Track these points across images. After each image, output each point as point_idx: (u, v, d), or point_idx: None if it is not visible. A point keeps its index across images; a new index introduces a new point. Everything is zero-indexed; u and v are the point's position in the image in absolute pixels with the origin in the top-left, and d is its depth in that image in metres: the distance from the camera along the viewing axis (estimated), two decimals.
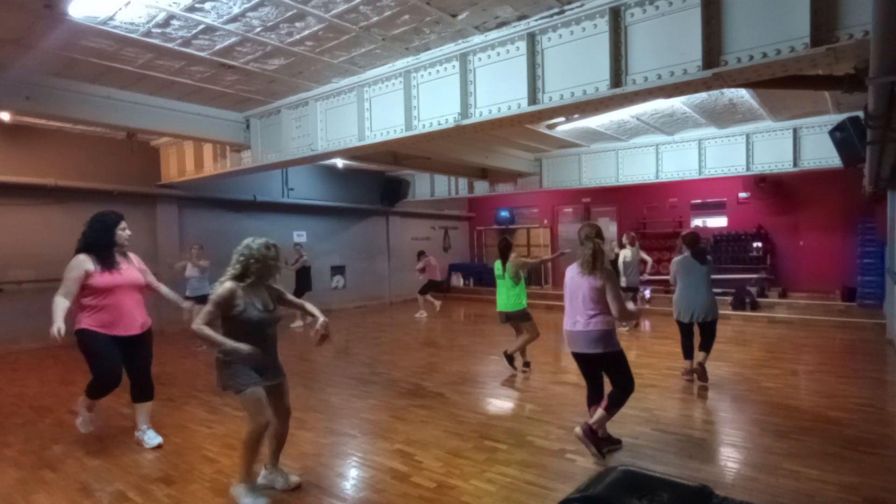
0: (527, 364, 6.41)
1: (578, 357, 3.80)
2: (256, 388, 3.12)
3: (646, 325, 9.74)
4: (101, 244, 3.94)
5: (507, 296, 6.21)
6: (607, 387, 3.81)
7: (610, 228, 14.52)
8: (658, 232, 13.20)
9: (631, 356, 7.05)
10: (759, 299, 10.80)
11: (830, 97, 6.73)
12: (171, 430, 4.48)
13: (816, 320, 9.48)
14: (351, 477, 3.62)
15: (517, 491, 3.28)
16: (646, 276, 10.45)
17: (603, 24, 4.02)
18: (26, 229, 8.26)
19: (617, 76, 4.00)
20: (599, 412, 3.65)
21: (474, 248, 17.24)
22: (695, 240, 5.68)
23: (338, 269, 13.22)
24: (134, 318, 4.03)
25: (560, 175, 10.72)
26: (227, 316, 3.09)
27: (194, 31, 4.45)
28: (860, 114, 4.50)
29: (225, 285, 3.08)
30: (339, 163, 11.15)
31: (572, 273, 3.85)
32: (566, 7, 4.15)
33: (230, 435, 4.35)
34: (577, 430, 3.66)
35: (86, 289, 3.81)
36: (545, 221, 15.54)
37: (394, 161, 9.73)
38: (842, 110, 7.16)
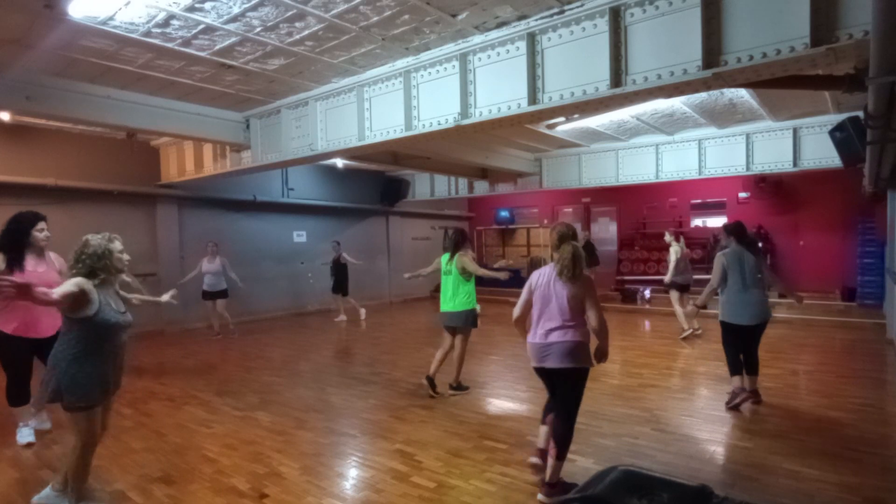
0: (464, 387, 5.52)
1: (544, 372, 3.26)
2: (97, 408, 2.93)
3: (646, 325, 9.73)
4: (13, 244, 4.00)
5: (455, 293, 5.34)
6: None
7: (610, 228, 14.54)
8: (658, 232, 13.18)
9: (631, 356, 7.10)
10: None
11: (830, 97, 6.73)
12: (171, 430, 4.48)
13: (816, 320, 9.48)
14: (351, 477, 3.62)
15: (517, 491, 3.28)
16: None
17: (603, 23, 4.02)
18: None
19: (617, 76, 4.00)
20: (552, 463, 3.11)
21: (474, 248, 17.24)
22: (742, 229, 4.98)
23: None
24: (45, 321, 4.07)
25: (560, 175, 10.72)
26: (80, 318, 2.79)
27: (194, 31, 4.45)
28: (860, 114, 4.49)
29: (74, 280, 2.77)
30: (339, 163, 11.15)
31: (544, 279, 3.29)
32: (566, 7, 4.15)
33: (230, 435, 4.35)
34: (540, 496, 3.13)
35: None
36: (545, 221, 15.54)
37: (394, 161, 9.73)
38: (842, 110, 7.16)
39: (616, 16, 3.97)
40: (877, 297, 9.93)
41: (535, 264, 14.58)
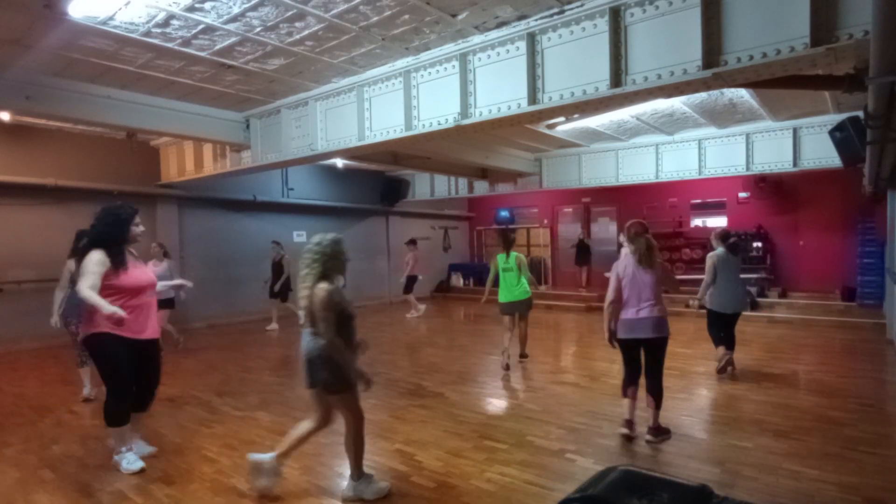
0: (525, 355, 6.80)
1: (633, 342, 4.07)
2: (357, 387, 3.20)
3: None
4: (113, 240, 3.58)
5: (518, 285, 6.47)
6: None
7: (610, 228, 14.53)
8: (658, 232, 13.18)
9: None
10: (759, 299, 10.79)
11: (830, 97, 6.73)
12: (171, 430, 4.48)
13: (816, 320, 9.48)
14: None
15: (517, 491, 3.28)
16: None
17: (603, 23, 4.02)
18: (26, 229, 8.26)
19: (617, 76, 4.00)
20: (653, 412, 4.05)
21: (474, 248, 17.23)
22: (728, 235, 6.20)
23: None
24: (153, 321, 3.78)
25: (560, 175, 10.72)
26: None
27: (194, 31, 4.45)
28: (860, 114, 4.49)
29: (323, 287, 3.02)
30: (339, 163, 11.15)
31: (629, 268, 4.11)
32: (566, 7, 4.15)
33: (230, 435, 4.35)
34: (648, 437, 4.01)
35: (106, 289, 3.44)
36: (545, 221, 15.54)
37: (394, 161, 9.73)
38: (842, 110, 7.16)
39: (616, 16, 3.97)
40: (877, 297, 9.92)
41: (535, 265, 14.60)
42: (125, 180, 9.13)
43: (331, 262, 3.12)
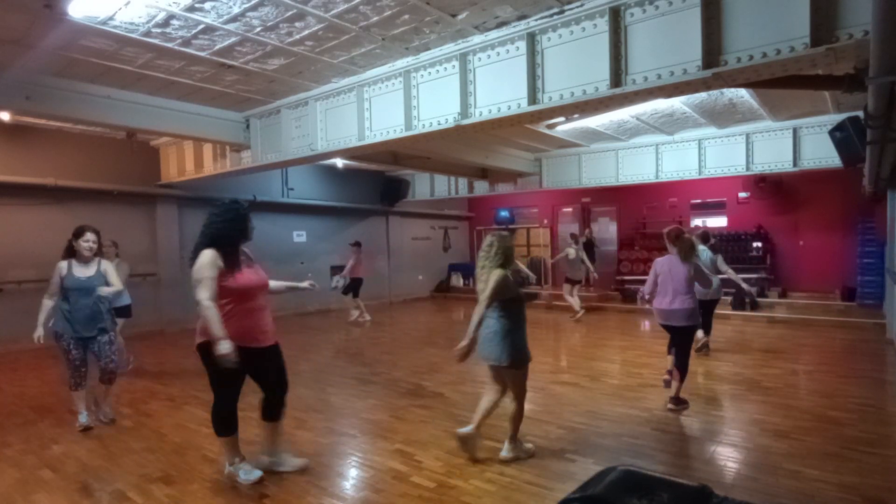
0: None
1: (667, 329, 4.89)
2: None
3: (645, 325, 9.73)
4: (231, 238, 3.31)
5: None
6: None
7: (610, 228, 14.54)
8: (658, 232, 13.17)
9: (631, 356, 7.10)
10: (759, 299, 10.80)
11: (830, 97, 6.73)
12: (171, 430, 4.48)
13: (816, 320, 9.48)
14: (351, 477, 3.62)
15: (517, 491, 3.28)
16: None
17: (603, 23, 4.02)
18: (26, 229, 8.25)
19: (617, 76, 4.00)
20: (676, 384, 4.74)
21: (474, 248, 17.22)
22: (706, 237, 7.14)
23: (338, 269, 13.18)
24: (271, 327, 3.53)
25: (560, 175, 10.72)
26: (507, 298, 3.60)
27: (194, 31, 4.45)
28: (860, 114, 4.49)
29: (498, 272, 3.58)
30: (339, 163, 11.14)
31: (667, 265, 4.83)
32: (566, 7, 4.15)
33: None
34: (669, 406, 4.70)
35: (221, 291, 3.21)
36: (545, 221, 15.54)
37: (394, 161, 9.72)
38: (842, 110, 7.16)
39: (616, 16, 3.97)
40: (877, 297, 9.92)
41: (535, 265, 14.61)
42: (125, 180, 9.13)
43: (508, 254, 3.67)
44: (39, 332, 4.29)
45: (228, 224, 3.31)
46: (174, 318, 9.56)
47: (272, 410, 3.62)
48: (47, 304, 4.35)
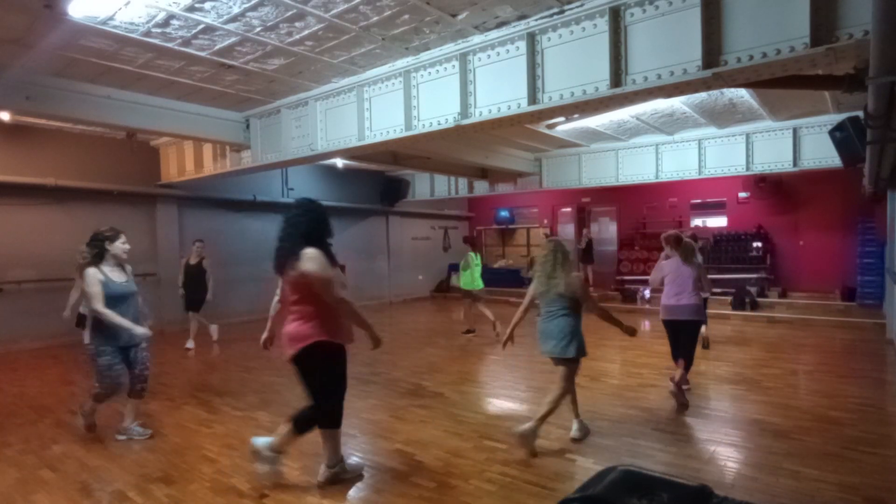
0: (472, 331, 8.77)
1: (674, 324, 5.06)
2: None
3: (645, 325, 9.73)
4: (322, 237, 3.27)
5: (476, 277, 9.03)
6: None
7: (610, 228, 14.54)
8: (658, 232, 13.17)
9: (631, 356, 7.09)
10: (759, 299, 10.80)
11: (830, 97, 6.73)
12: (171, 430, 4.48)
13: (816, 320, 9.48)
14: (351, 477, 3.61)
15: (517, 491, 3.28)
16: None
17: (603, 23, 4.02)
18: (26, 229, 8.25)
19: (617, 76, 4.00)
20: (680, 372, 4.92)
21: (474, 248, 17.21)
22: (694, 238, 6.96)
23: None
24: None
25: (560, 175, 10.72)
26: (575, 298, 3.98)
27: (194, 31, 4.45)
28: (860, 114, 4.49)
29: (577, 275, 4.07)
30: (339, 163, 11.14)
31: (673, 265, 5.11)
32: (566, 7, 4.14)
33: (230, 435, 4.35)
34: (671, 389, 4.86)
35: (300, 289, 3.16)
36: (545, 221, 15.54)
37: (394, 161, 9.72)
38: (842, 110, 7.15)
39: (616, 16, 3.97)
40: (877, 297, 9.92)
41: (535, 265, 14.58)
42: (125, 180, 9.13)
43: (568, 257, 4.08)
44: (145, 330, 4.07)
45: (315, 222, 3.26)
46: (174, 318, 9.55)
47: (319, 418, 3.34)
48: (111, 313, 3.90)
